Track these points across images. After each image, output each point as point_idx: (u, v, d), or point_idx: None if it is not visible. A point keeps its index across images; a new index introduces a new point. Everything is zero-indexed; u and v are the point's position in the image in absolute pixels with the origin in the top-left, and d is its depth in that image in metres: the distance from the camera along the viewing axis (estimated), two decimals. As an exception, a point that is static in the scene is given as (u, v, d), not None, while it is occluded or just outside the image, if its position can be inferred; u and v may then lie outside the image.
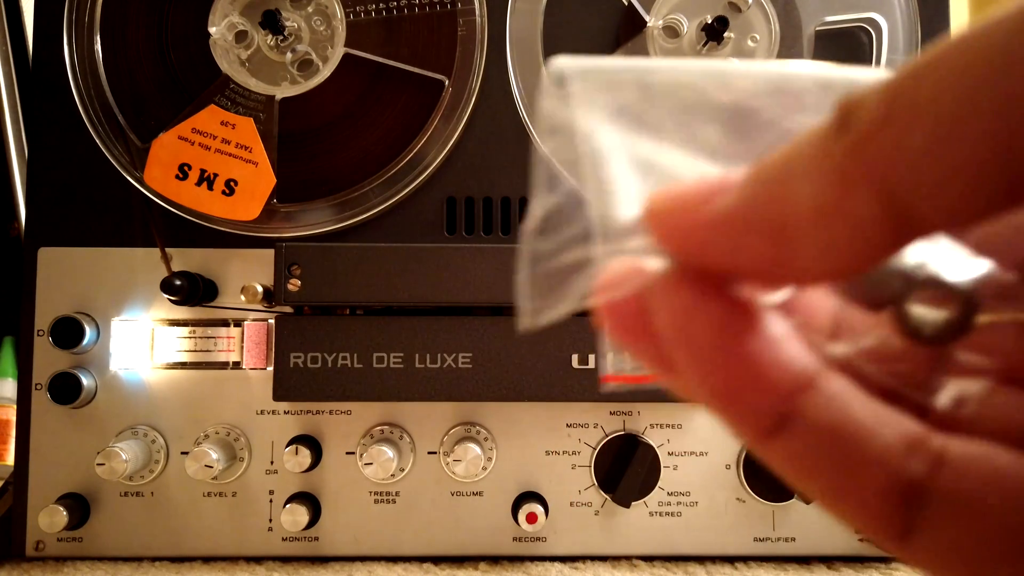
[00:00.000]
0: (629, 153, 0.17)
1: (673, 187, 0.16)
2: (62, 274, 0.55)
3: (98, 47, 0.55)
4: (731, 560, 0.55)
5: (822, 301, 0.18)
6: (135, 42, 0.55)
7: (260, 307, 0.54)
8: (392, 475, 0.52)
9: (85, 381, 0.53)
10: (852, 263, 0.15)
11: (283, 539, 0.54)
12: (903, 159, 0.13)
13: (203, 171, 0.53)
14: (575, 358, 0.51)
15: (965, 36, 0.13)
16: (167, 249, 0.54)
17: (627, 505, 0.53)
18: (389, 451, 0.52)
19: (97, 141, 0.54)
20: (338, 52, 0.55)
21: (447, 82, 0.55)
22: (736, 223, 0.15)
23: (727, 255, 0.15)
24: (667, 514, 0.55)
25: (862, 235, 0.14)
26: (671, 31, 0.56)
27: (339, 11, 0.55)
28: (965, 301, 0.16)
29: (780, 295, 0.17)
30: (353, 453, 0.54)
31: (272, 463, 0.54)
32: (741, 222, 0.15)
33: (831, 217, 0.14)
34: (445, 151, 0.55)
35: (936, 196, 0.13)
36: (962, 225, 0.14)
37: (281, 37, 0.54)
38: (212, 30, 0.54)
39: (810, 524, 0.54)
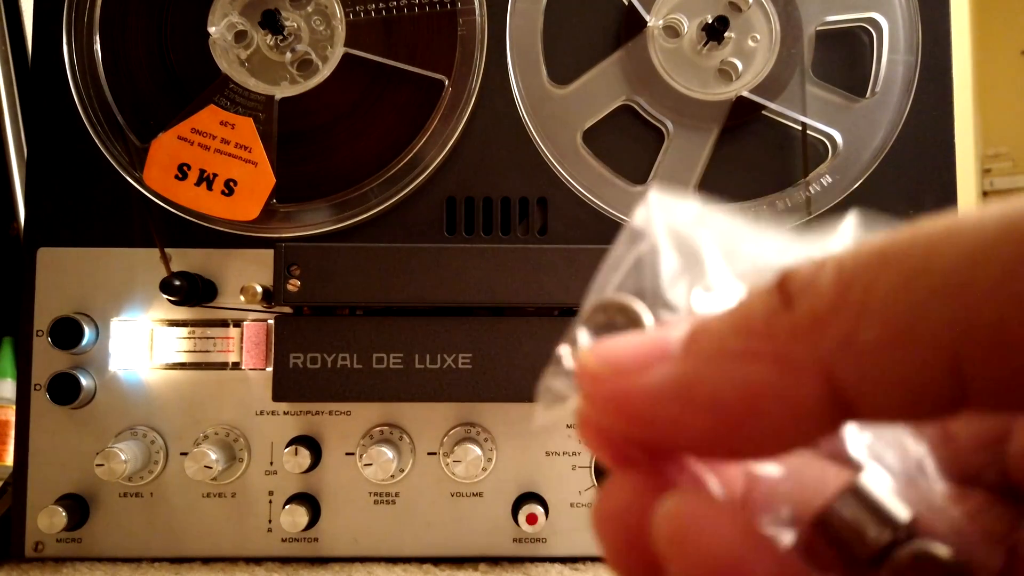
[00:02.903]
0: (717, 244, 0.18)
1: (609, 347, 0.16)
2: (61, 274, 0.54)
3: (98, 47, 0.55)
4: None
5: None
6: (135, 42, 0.55)
7: (259, 307, 0.53)
8: (392, 476, 0.52)
9: (84, 381, 0.53)
10: (791, 442, 0.15)
11: (282, 540, 0.54)
12: (851, 352, 0.13)
13: (202, 171, 0.53)
14: (575, 358, 0.51)
15: (919, 239, 0.13)
16: (166, 249, 0.54)
17: (627, 506, 0.52)
18: (389, 452, 0.52)
19: (96, 141, 0.54)
20: (338, 52, 0.55)
21: (447, 82, 0.55)
22: (674, 400, 0.15)
23: (662, 430, 0.15)
24: (667, 515, 0.54)
25: (803, 418, 0.14)
26: (671, 31, 0.56)
27: (339, 11, 0.55)
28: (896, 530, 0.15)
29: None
30: (353, 454, 0.54)
31: (272, 464, 0.54)
32: (679, 400, 0.15)
33: (773, 400, 0.14)
34: (445, 151, 0.55)
35: (879, 394, 0.13)
36: (901, 421, 0.14)
37: (281, 37, 0.54)
38: (211, 30, 0.54)
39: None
